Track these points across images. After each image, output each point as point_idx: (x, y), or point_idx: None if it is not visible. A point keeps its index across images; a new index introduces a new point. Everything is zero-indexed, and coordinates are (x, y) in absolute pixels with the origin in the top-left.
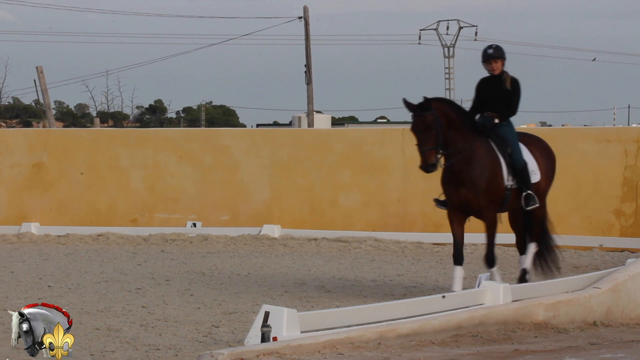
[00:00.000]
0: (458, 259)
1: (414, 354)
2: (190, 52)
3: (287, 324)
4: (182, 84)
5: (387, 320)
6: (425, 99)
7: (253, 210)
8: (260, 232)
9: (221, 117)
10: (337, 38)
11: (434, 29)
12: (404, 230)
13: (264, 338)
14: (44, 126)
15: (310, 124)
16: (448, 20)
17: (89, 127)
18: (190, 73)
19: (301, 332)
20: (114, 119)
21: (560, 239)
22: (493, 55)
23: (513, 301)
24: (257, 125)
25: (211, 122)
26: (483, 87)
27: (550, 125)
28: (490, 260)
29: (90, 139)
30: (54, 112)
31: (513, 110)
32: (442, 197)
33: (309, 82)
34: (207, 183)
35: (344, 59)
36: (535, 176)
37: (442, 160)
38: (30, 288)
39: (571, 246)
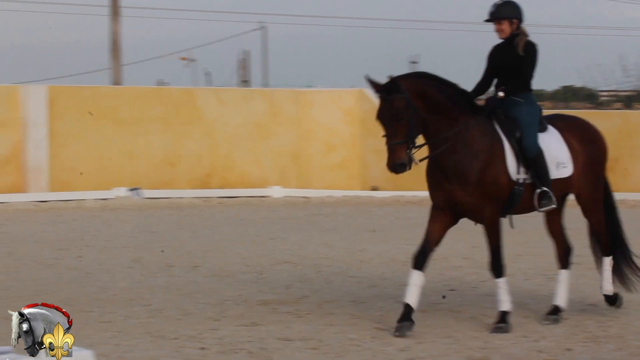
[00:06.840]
0: (419, 261)
1: None
2: None
3: None
4: None
5: None
6: (393, 77)
7: None
8: None
9: None
10: None
11: None
12: None
13: None
14: None
15: None
16: None
17: None
18: None
19: None
20: None
21: None
22: (495, 14)
23: None
24: None
25: None
26: (495, 54)
27: None
28: (495, 269)
29: None
30: None
31: (524, 80)
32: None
33: None
34: None
35: None
36: (564, 170)
37: (416, 157)
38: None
39: None
